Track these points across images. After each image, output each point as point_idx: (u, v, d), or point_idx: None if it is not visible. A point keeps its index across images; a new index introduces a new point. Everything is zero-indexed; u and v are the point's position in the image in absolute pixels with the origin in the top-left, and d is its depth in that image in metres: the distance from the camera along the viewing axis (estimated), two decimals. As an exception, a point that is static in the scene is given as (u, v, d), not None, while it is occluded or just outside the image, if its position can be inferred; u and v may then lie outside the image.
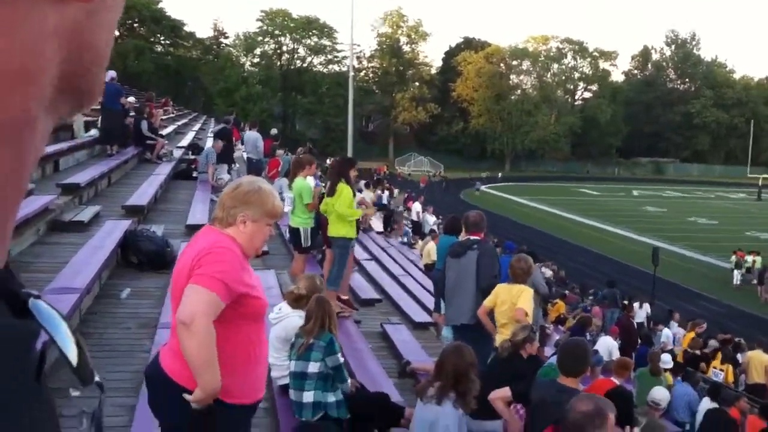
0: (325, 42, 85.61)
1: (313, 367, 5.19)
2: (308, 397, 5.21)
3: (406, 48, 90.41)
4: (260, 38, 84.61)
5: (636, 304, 20.89)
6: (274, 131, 22.94)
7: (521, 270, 7.08)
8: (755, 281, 31.75)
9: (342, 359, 5.35)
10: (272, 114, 78.54)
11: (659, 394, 7.31)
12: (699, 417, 9.86)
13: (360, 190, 16.25)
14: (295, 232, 9.62)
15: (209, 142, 18.97)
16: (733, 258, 33.40)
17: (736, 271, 32.78)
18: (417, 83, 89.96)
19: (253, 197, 3.18)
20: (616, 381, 7.51)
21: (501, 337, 6.68)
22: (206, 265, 3.01)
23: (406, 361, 7.56)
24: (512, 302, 6.82)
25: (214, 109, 67.82)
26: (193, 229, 8.75)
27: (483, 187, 66.07)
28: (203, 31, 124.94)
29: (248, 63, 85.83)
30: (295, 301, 5.85)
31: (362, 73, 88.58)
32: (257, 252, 3.33)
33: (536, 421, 4.76)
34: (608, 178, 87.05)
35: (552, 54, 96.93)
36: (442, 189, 57.26)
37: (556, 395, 4.63)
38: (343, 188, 8.66)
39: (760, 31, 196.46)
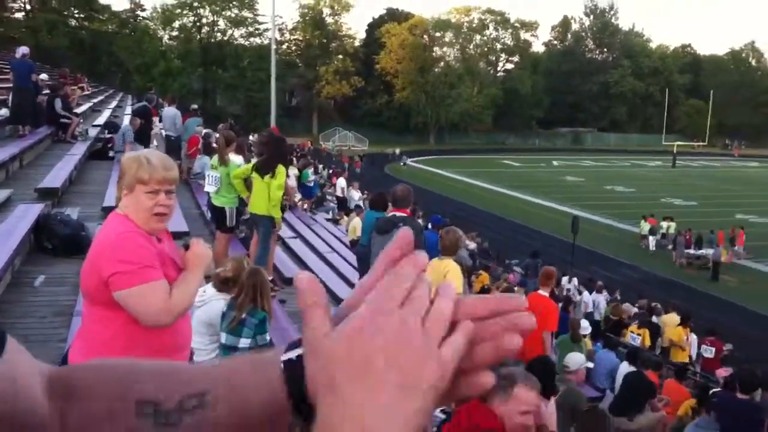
0: (246, 14, 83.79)
1: (244, 343, 5.16)
2: None
3: (329, 20, 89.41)
4: (178, 11, 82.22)
5: (565, 278, 21.38)
6: (194, 107, 22.44)
7: (450, 242, 7.13)
8: (670, 246, 32.97)
9: (269, 338, 5.32)
10: (192, 89, 76.77)
11: (571, 358, 7.55)
12: (618, 381, 10.22)
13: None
14: (219, 211, 9.50)
15: (126, 120, 18.46)
16: (643, 224, 34.64)
17: (651, 237, 33.96)
18: (341, 56, 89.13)
19: (124, 167, 3.09)
20: (543, 293, 8.26)
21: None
22: (117, 263, 2.93)
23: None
24: (441, 278, 6.86)
25: (132, 86, 65.93)
26: (110, 210, 8.50)
27: (409, 161, 66.34)
28: (119, 4, 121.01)
29: (166, 37, 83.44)
30: (222, 284, 5.75)
31: (285, 46, 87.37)
32: (156, 221, 3.13)
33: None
34: (529, 149, 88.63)
35: (474, 25, 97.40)
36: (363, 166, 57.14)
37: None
38: (281, 170, 8.65)
39: (674, 0, 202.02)
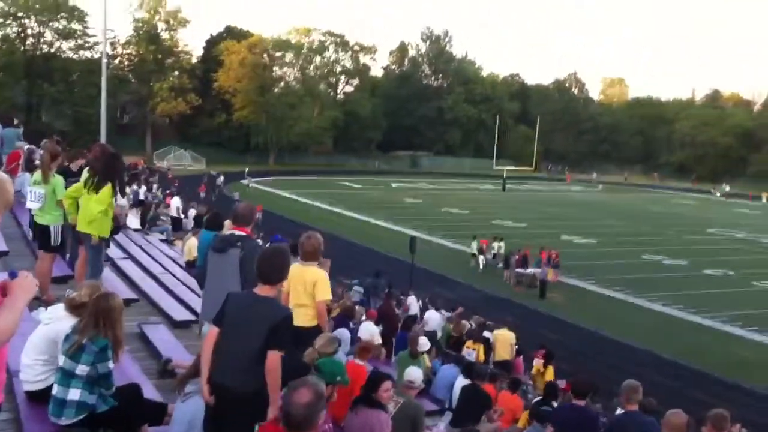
0: (75, 26, 79.66)
1: (81, 370, 4.89)
2: (74, 395, 4.91)
3: (165, 35, 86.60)
4: (1, 20, 77.01)
5: (411, 298, 21.67)
6: (15, 122, 20.92)
7: (312, 248, 6.97)
8: (500, 265, 34.41)
9: (112, 366, 5.03)
10: (15, 104, 71.83)
11: (412, 374, 7.64)
12: (455, 393, 10.47)
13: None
14: (43, 229, 8.89)
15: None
16: (474, 244, 36.07)
17: (480, 257, 35.35)
18: (177, 72, 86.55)
19: None
20: (360, 363, 7.57)
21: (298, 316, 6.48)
22: None
23: (167, 358, 7.28)
24: (310, 287, 6.80)
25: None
26: None
27: (252, 183, 65.31)
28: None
29: (-14, 47, 77.89)
30: (74, 309, 5.44)
31: (117, 61, 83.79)
32: None
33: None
34: (369, 171, 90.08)
35: (314, 47, 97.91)
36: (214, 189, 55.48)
37: (255, 305, 4.77)
38: (107, 188, 8.25)
39: (504, 31, 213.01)
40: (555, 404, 9.19)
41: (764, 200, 78.22)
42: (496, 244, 36.50)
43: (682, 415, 4.97)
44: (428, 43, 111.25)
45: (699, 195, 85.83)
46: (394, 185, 76.15)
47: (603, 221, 54.20)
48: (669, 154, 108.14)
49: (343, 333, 11.37)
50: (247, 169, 68.77)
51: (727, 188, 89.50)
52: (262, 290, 4.85)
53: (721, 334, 25.87)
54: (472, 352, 15.11)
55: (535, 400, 10.18)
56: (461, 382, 10.55)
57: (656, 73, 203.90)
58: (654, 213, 63.19)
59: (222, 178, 60.53)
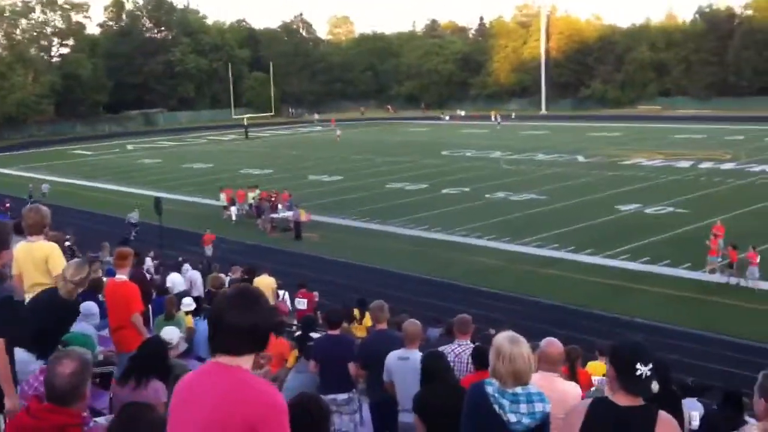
0: None
1: None
2: None
3: None
4: None
5: (148, 259, 20.75)
6: None
7: (34, 220, 6.55)
8: (255, 215, 34.18)
9: None
10: None
11: (167, 333, 7.32)
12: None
13: None
14: None
15: None
16: (222, 196, 35.58)
17: (233, 208, 34.87)
18: None
19: None
20: (122, 277, 8.04)
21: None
22: None
23: None
24: (35, 261, 6.44)
25: None
26: None
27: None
28: None
29: None
30: None
31: None
32: None
33: None
34: (99, 135, 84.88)
35: (18, 9, 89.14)
36: None
37: None
38: None
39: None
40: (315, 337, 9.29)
41: (493, 118, 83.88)
42: (251, 194, 36.04)
43: (557, 344, 5.08)
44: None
45: (430, 122, 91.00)
46: (129, 147, 72.53)
47: (347, 157, 55.68)
48: (399, 85, 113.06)
49: (92, 307, 10.59)
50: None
51: (462, 113, 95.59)
52: None
53: (465, 246, 27.84)
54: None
55: (296, 335, 10.29)
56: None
57: (379, 9, 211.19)
58: (392, 143, 66.09)
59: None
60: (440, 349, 7.57)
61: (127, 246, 19.74)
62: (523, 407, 3.75)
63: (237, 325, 2.64)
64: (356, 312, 14.41)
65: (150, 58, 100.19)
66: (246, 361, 2.69)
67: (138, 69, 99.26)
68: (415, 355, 6.73)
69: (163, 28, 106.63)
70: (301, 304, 16.18)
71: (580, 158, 49.93)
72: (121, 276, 8.12)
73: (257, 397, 2.58)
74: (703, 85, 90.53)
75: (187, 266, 19.71)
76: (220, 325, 2.68)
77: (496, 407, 3.76)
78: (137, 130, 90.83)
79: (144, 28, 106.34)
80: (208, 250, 27.15)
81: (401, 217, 32.73)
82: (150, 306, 13.88)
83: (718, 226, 24.44)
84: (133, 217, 30.25)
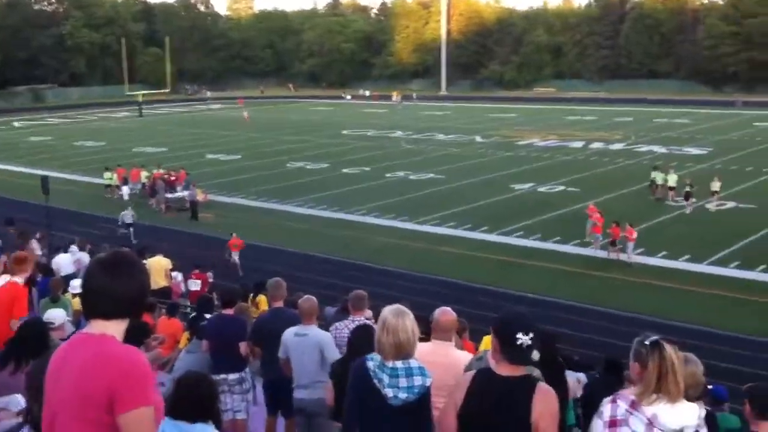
0: None
1: None
2: None
3: None
4: None
5: (34, 241, 19.86)
6: None
7: None
8: (148, 194, 33.27)
9: None
10: None
11: (51, 315, 7.04)
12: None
13: None
14: None
15: None
16: (114, 175, 34.51)
17: (125, 188, 33.83)
18: None
19: None
20: (18, 280, 7.34)
21: None
22: None
23: None
24: None
25: None
26: None
27: None
28: None
29: None
30: None
31: None
32: None
33: None
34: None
35: None
36: None
37: None
38: None
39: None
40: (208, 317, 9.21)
41: (394, 98, 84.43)
42: (143, 173, 34.96)
43: (450, 313, 5.12)
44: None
45: (331, 101, 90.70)
46: (17, 124, 69.23)
47: (245, 135, 54.87)
48: (300, 63, 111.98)
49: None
50: None
51: (367, 93, 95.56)
52: None
53: (364, 225, 28.00)
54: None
55: (191, 316, 10.16)
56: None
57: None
58: (293, 122, 65.53)
59: None
60: (335, 324, 7.65)
61: (127, 248, 18.98)
62: (403, 381, 3.80)
63: (104, 287, 2.62)
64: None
65: (39, 31, 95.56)
66: (115, 327, 2.67)
67: (26, 42, 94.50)
68: (314, 330, 6.76)
69: (53, 0, 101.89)
70: (195, 285, 15.94)
71: (478, 138, 50.90)
72: (19, 279, 7.50)
73: (118, 364, 2.56)
74: (596, 68, 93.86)
75: (74, 248, 18.98)
76: (89, 287, 2.67)
77: (376, 381, 3.81)
78: (24, 106, 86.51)
79: (33, 1, 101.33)
80: (235, 256, 23.27)
81: (301, 196, 32.59)
82: (34, 288, 13.38)
83: (591, 207, 25.51)
84: (127, 216, 27.77)
